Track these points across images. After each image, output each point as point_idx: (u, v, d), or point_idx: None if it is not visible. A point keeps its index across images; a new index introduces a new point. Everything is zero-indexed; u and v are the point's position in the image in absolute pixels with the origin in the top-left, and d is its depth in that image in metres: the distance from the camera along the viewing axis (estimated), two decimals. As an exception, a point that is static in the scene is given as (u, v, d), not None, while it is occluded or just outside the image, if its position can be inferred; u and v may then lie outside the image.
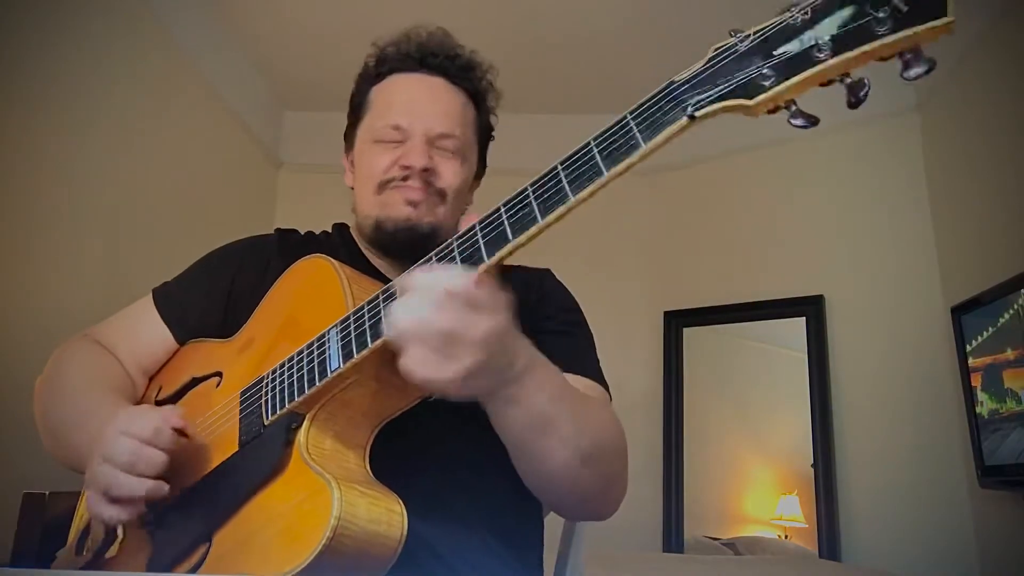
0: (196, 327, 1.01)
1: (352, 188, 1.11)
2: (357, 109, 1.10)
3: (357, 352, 0.71)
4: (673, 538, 2.73)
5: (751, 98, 0.58)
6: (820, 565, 2.33)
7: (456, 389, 0.66)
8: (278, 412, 0.77)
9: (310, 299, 0.85)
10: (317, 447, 0.74)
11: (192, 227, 2.47)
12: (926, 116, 2.59)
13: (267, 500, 0.74)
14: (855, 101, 0.56)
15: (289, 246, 1.06)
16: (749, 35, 0.60)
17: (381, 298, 0.72)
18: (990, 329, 2.08)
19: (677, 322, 2.98)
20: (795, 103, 0.58)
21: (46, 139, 1.91)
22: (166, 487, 0.76)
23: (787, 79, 0.57)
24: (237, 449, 0.80)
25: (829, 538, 2.47)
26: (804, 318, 2.72)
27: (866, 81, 0.56)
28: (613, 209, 3.08)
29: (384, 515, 0.68)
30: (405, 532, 0.69)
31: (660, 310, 3.02)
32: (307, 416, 0.75)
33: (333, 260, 0.84)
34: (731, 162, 2.90)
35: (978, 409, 2.12)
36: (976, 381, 2.13)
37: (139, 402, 1.00)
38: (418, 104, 1.03)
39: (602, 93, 3.08)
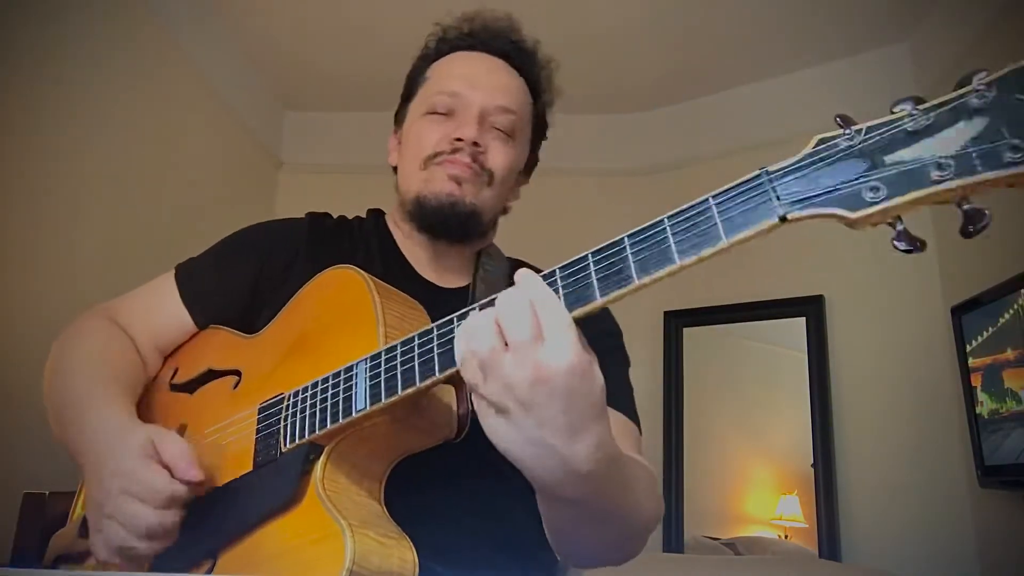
0: (217, 315, 0.98)
1: (395, 168, 1.08)
2: (411, 86, 1.07)
3: (386, 397, 0.68)
4: (673, 538, 2.73)
5: (853, 211, 0.50)
6: (820, 565, 2.33)
7: (493, 420, 0.58)
8: (296, 441, 0.75)
9: (340, 317, 0.81)
10: (332, 481, 0.72)
11: (192, 227, 2.46)
12: (926, 116, 2.59)
13: (278, 531, 0.73)
14: (972, 231, 0.49)
15: (319, 235, 1.03)
16: (861, 130, 0.51)
17: (416, 341, 0.68)
18: (990, 329, 2.08)
19: (677, 322, 2.98)
20: (901, 221, 0.51)
21: (47, 139, 1.91)
22: (175, 540, 0.74)
23: (897, 197, 0.49)
24: (251, 468, 0.79)
25: (829, 538, 2.47)
26: (804, 318, 2.72)
27: (986, 213, 0.49)
28: (613, 209, 3.08)
29: (396, 566, 0.67)
30: None
31: (660, 310, 3.02)
32: (325, 449, 0.73)
33: (368, 276, 0.80)
34: (731, 162, 2.88)
35: (978, 409, 2.12)
36: (976, 381, 2.13)
37: (152, 382, 0.98)
38: (478, 76, 1.00)
39: (603, 93, 3.08)
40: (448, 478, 0.85)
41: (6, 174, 1.79)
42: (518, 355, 0.55)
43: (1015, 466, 1.95)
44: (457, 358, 0.59)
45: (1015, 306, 1.97)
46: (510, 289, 0.58)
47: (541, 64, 1.06)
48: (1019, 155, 0.46)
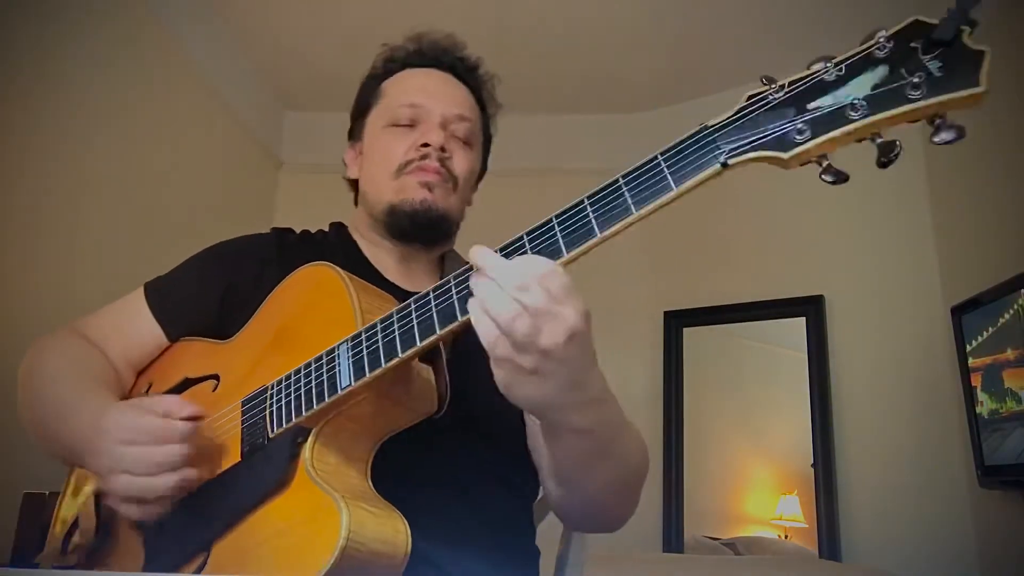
0: (188, 326, 0.99)
1: (353, 181, 1.12)
2: (365, 103, 1.11)
3: (370, 371, 0.70)
4: (673, 538, 2.73)
5: (785, 151, 0.58)
6: (820, 565, 2.33)
7: (524, 383, 0.64)
8: (284, 425, 0.76)
9: (315, 309, 0.83)
10: (322, 461, 0.73)
11: (192, 227, 2.47)
12: (926, 116, 2.59)
13: (270, 514, 0.73)
14: (885, 161, 0.57)
15: (286, 247, 1.05)
16: (783, 86, 0.60)
17: (395, 316, 0.71)
18: (990, 329, 2.08)
19: (677, 322, 2.98)
20: (827, 158, 0.59)
21: (47, 139, 1.91)
22: (195, 473, 0.76)
23: (821, 135, 0.57)
24: (239, 459, 0.79)
25: (829, 538, 2.47)
26: (804, 318, 2.72)
27: (898, 143, 0.57)
28: (613, 209, 3.08)
29: (390, 535, 0.68)
30: (409, 551, 0.69)
31: (660, 310, 3.02)
32: (313, 431, 0.74)
33: (340, 269, 0.82)
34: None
35: (978, 409, 2.12)
36: (976, 381, 2.13)
37: (126, 397, 0.98)
38: (434, 88, 1.06)
39: (603, 93, 3.09)
40: (432, 469, 0.87)
41: (6, 174, 1.79)
42: (550, 322, 0.61)
43: (1015, 466, 1.95)
44: (489, 341, 0.63)
45: (1015, 306, 1.97)
46: (502, 264, 0.63)
47: (484, 78, 1.12)
48: (919, 92, 0.55)
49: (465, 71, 1.10)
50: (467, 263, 1.09)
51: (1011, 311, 1.98)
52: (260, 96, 3.11)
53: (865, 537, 2.47)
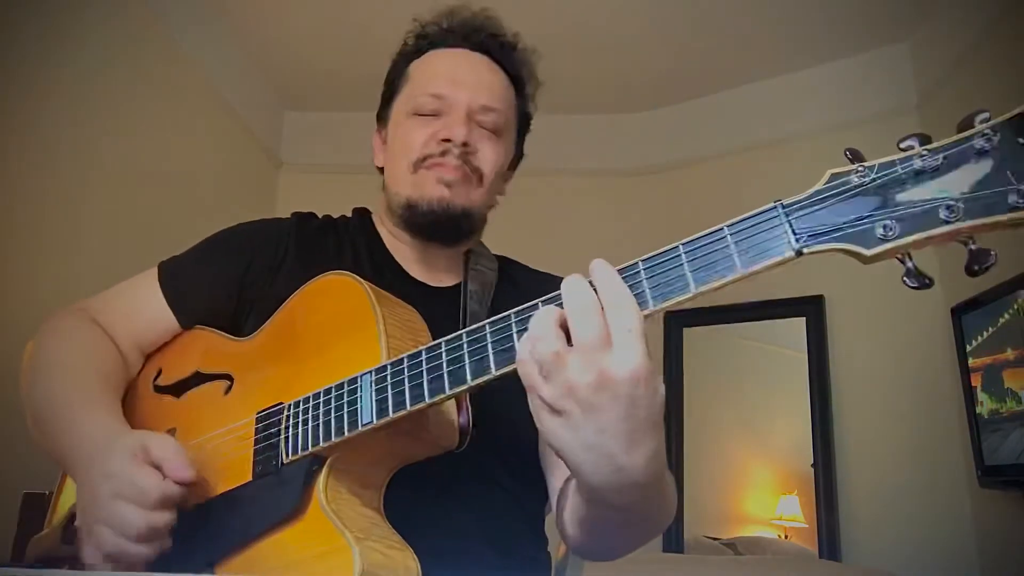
0: (203, 314, 0.96)
1: (380, 169, 1.06)
2: (393, 84, 1.05)
3: (393, 411, 0.67)
4: (673, 538, 2.73)
5: (868, 248, 0.53)
6: (820, 565, 2.33)
7: (547, 420, 0.56)
8: (299, 453, 0.73)
9: (339, 325, 0.79)
10: (335, 492, 0.71)
11: (192, 227, 2.45)
12: (926, 116, 2.59)
13: (280, 544, 0.72)
14: (977, 269, 0.52)
15: (307, 234, 1.02)
16: (872, 167, 0.53)
17: (424, 356, 0.66)
18: (990, 329, 2.08)
19: (677, 322, 2.98)
20: (911, 257, 0.54)
21: (48, 140, 1.91)
22: (169, 543, 0.72)
23: (909, 236, 0.51)
24: (250, 479, 0.77)
25: (829, 538, 2.47)
26: (804, 318, 2.72)
27: (993, 254, 0.51)
28: (612, 209, 3.08)
29: (401, 574, 0.67)
30: None
31: (660, 310, 3.02)
32: (328, 460, 0.72)
33: (368, 285, 0.78)
34: (730, 162, 2.90)
35: (978, 409, 2.12)
36: (976, 381, 2.13)
37: (134, 382, 0.96)
38: (461, 75, 0.99)
39: (603, 93, 3.09)
40: (441, 482, 0.85)
41: (7, 174, 1.79)
42: (584, 358, 0.54)
43: (1015, 466, 1.95)
44: (517, 358, 0.57)
45: (1015, 306, 1.97)
46: (580, 284, 0.56)
47: (522, 58, 1.05)
48: (1022, 200, 0.48)
49: (499, 51, 1.03)
50: (495, 256, 1.07)
51: (1011, 311, 1.98)
52: (260, 96, 3.11)
53: (865, 537, 2.47)
